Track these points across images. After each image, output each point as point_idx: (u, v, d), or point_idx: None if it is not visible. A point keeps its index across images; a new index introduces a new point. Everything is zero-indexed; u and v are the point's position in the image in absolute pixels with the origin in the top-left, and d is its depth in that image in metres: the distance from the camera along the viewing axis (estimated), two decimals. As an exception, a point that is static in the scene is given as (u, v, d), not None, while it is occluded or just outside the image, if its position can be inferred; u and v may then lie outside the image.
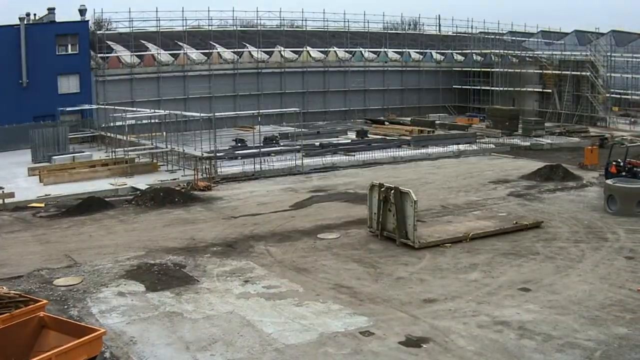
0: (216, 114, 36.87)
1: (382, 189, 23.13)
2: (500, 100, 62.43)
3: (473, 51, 68.83)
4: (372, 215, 23.74)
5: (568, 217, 26.55)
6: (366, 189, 24.88)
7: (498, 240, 23.11)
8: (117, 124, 41.88)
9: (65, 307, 17.68)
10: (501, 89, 63.03)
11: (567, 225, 25.29)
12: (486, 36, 69.83)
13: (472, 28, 72.60)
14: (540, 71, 62.81)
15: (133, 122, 42.07)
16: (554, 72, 60.57)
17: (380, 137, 51.16)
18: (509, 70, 63.96)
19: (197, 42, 57.74)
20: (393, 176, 36.38)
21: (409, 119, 59.52)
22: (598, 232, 24.23)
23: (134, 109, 42.62)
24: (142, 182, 34.45)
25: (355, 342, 15.23)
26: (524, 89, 62.36)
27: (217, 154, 37.25)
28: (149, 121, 43.62)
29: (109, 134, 44.13)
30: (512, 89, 63.27)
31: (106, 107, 42.78)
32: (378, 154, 43.11)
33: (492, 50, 65.19)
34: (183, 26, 54.79)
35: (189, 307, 17.63)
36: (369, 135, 51.78)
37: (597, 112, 56.09)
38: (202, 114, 36.39)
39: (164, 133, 41.77)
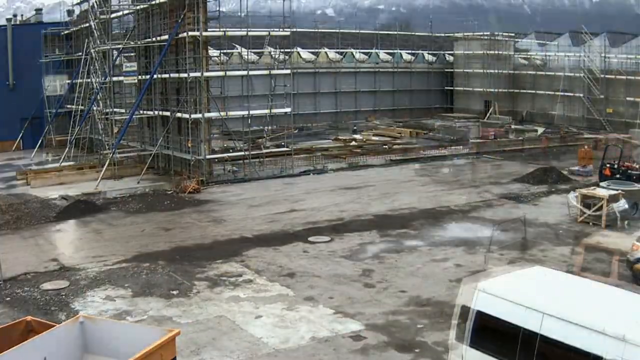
0: (206, 114, 36.49)
1: None
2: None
3: (466, 52, 68.74)
4: None
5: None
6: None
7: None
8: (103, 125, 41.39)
9: (53, 311, 17.39)
10: (496, 90, 63.01)
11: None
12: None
13: (464, 29, 72.62)
14: (535, 72, 62.86)
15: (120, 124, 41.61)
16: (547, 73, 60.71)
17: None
18: (504, 71, 63.94)
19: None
20: (385, 179, 36.25)
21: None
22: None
23: (123, 110, 42.13)
24: (124, 186, 34.22)
25: (347, 346, 15.04)
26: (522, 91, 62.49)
27: (207, 156, 36.87)
28: (137, 123, 43.15)
29: (97, 137, 43.69)
30: (506, 90, 63.25)
31: (95, 108, 42.21)
32: (368, 157, 42.80)
33: (487, 52, 65.07)
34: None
35: (177, 311, 17.37)
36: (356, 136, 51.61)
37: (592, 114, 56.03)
38: (192, 115, 35.99)
39: (154, 134, 41.32)
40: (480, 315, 11.80)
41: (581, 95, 56.67)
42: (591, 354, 10.08)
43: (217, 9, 37.65)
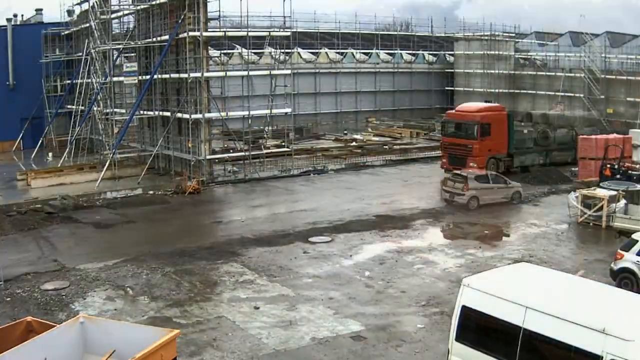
0: (206, 115, 36.48)
1: None
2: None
3: (466, 52, 68.65)
4: None
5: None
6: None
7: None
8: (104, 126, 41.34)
9: (53, 311, 17.37)
10: (496, 90, 62.89)
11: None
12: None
13: (464, 29, 72.42)
14: (535, 72, 62.76)
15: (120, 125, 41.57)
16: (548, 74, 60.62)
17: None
18: (504, 72, 63.83)
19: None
20: (385, 179, 36.22)
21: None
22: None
23: (123, 110, 42.08)
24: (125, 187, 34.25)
25: (347, 346, 15.01)
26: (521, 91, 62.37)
27: (207, 157, 36.84)
28: (137, 123, 43.12)
29: (97, 137, 43.66)
30: (506, 90, 63.16)
31: (95, 108, 42.19)
32: (369, 157, 42.80)
33: (487, 52, 64.97)
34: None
35: (177, 311, 17.35)
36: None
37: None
38: (192, 116, 35.96)
39: (154, 135, 41.30)
40: (466, 309, 11.89)
41: (581, 95, 56.61)
42: (572, 346, 10.20)
43: (218, 9, 37.63)
